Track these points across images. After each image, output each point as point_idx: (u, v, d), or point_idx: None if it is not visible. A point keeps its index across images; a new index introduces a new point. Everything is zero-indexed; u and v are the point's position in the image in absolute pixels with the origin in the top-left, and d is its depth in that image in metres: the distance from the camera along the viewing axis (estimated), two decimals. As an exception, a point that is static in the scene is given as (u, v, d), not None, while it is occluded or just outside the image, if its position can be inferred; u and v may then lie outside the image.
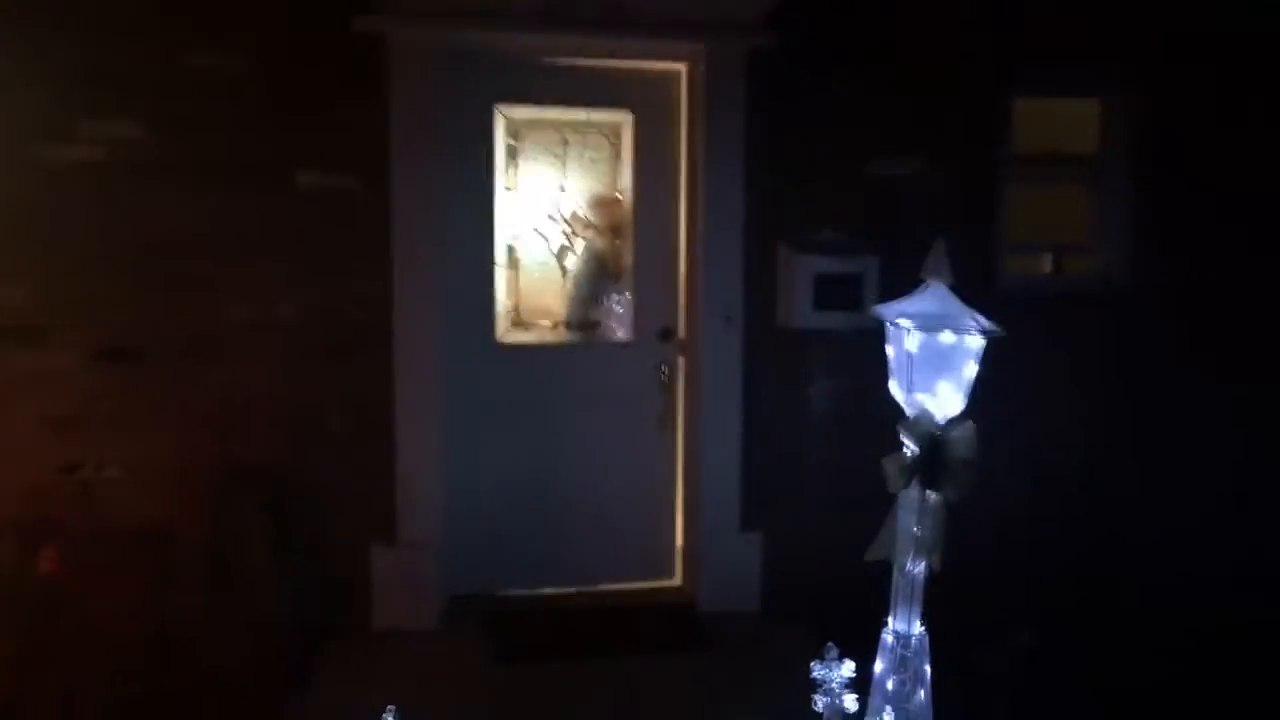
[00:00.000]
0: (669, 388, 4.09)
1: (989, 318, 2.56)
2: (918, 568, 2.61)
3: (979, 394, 2.58)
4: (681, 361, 4.11)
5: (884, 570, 2.71)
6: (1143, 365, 4.18)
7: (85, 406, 3.52)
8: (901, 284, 2.63)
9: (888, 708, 2.58)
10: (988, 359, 2.57)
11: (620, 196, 4.07)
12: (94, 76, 3.46)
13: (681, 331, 4.08)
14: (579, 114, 4.01)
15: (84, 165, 3.47)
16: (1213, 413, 4.21)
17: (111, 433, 3.54)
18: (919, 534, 2.55)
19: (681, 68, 3.98)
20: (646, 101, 4.02)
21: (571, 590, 4.09)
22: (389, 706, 2.48)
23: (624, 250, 4.08)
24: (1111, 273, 4.24)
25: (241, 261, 3.59)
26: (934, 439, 2.50)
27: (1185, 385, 4.20)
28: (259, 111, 3.55)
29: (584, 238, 4.06)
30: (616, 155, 4.06)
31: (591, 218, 4.07)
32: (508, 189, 3.99)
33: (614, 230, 4.08)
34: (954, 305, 2.53)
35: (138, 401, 3.55)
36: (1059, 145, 4.39)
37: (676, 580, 4.15)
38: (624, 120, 4.04)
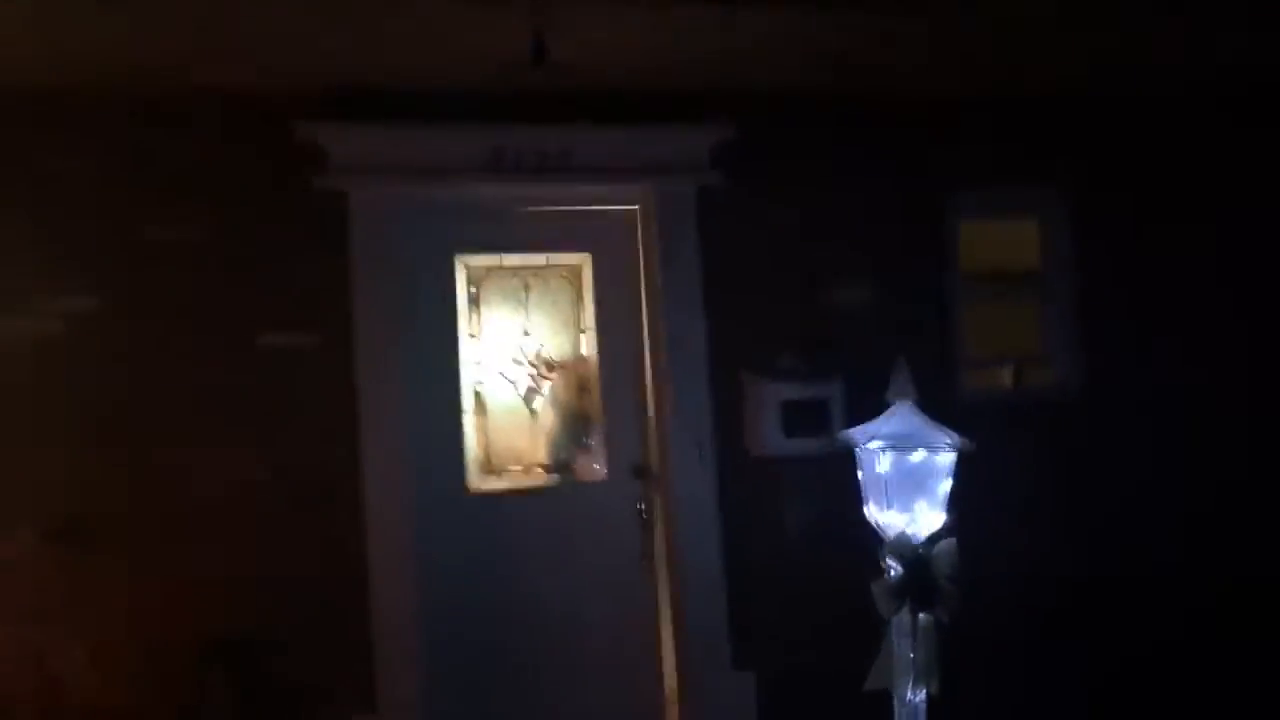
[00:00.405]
0: (648, 525, 4.05)
1: (955, 432, 2.61)
2: (918, 695, 2.58)
3: (957, 509, 2.61)
4: (658, 499, 4.08)
5: (884, 697, 2.66)
6: (1094, 467, 4.27)
7: (44, 591, 3.39)
8: (867, 406, 2.69)
9: (902, 847, 2.49)
10: (958, 475, 2.61)
11: (584, 333, 4.12)
12: (51, 250, 3.46)
13: (655, 467, 4.07)
14: (538, 259, 4.09)
15: (39, 340, 3.44)
16: (1158, 503, 4.31)
17: (74, 617, 3.40)
18: (914, 659, 2.53)
19: (635, 207, 4.10)
20: (603, 242, 4.11)
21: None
22: None
23: (592, 388, 4.10)
24: (1065, 383, 4.35)
25: (205, 431, 3.54)
26: (918, 558, 2.52)
27: (1134, 481, 4.30)
28: (220, 278, 3.57)
29: (550, 379, 4.09)
30: (578, 296, 4.13)
31: (556, 358, 4.11)
32: (472, 336, 4.02)
33: (580, 370, 4.12)
34: (922, 424, 2.59)
35: (100, 582, 3.42)
36: (1007, 263, 4.55)
37: (673, 727, 4.01)
38: (583, 261, 4.12)
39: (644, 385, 4.09)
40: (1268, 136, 4.46)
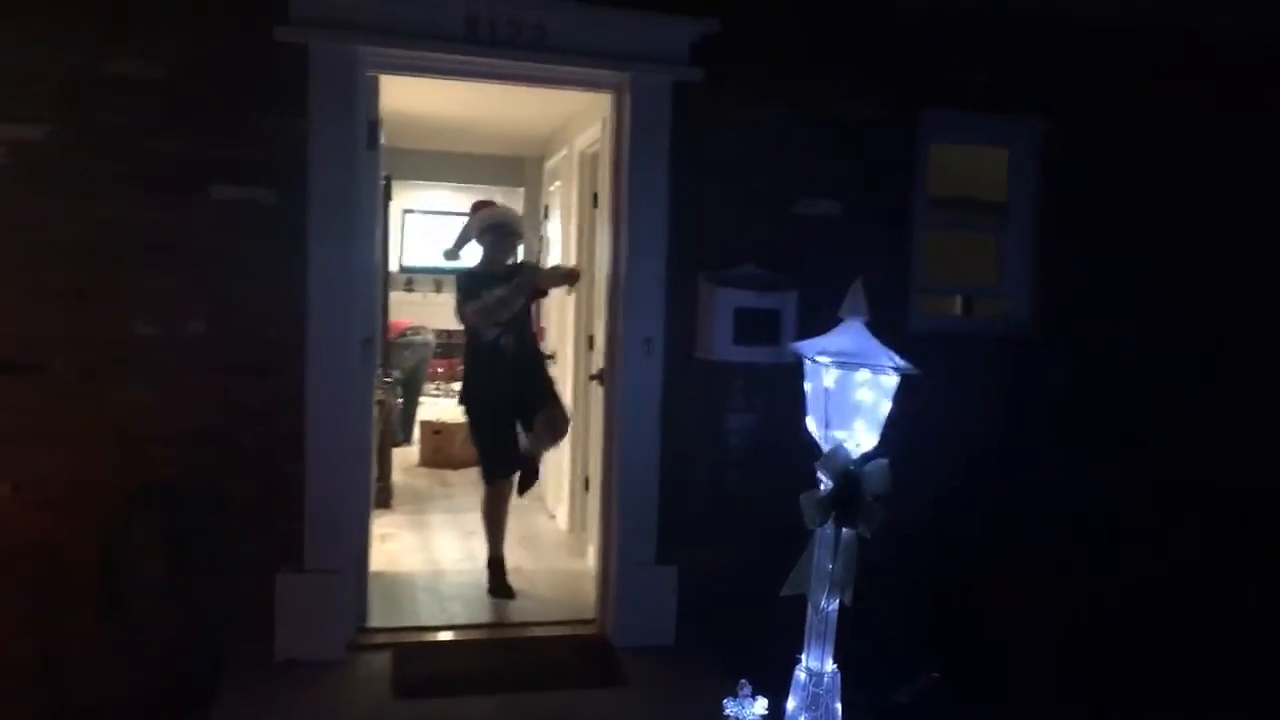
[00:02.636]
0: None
1: (900, 356, 2.63)
2: (831, 605, 2.66)
3: (889, 430, 2.65)
4: (600, 391, 4.08)
5: (798, 603, 2.74)
6: (1035, 402, 4.33)
7: (-24, 421, 3.34)
8: (819, 319, 2.70)
9: (798, 744, 2.60)
10: (897, 396, 2.64)
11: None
12: (3, 75, 3.31)
13: (600, 359, 4.07)
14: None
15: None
16: (1093, 445, 4.39)
17: (5, 449, 3.36)
18: (832, 570, 2.60)
19: (608, 97, 4.00)
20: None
21: (484, 626, 4.03)
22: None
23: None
24: (1015, 316, 4.40)
25: (151, 274, 3.45)
26: (849, 475, 2.56)
27: (1071, 420, 4.37)
28: (175, 122, 3.44)
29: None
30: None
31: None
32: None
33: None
34: (871, 344, 2.60)
35: (32, 416, 3.37)
36: (974, 192, 4.54)
37: (591, 615, 4.11)
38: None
39: (598, 275, 4.06)
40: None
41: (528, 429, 4.63)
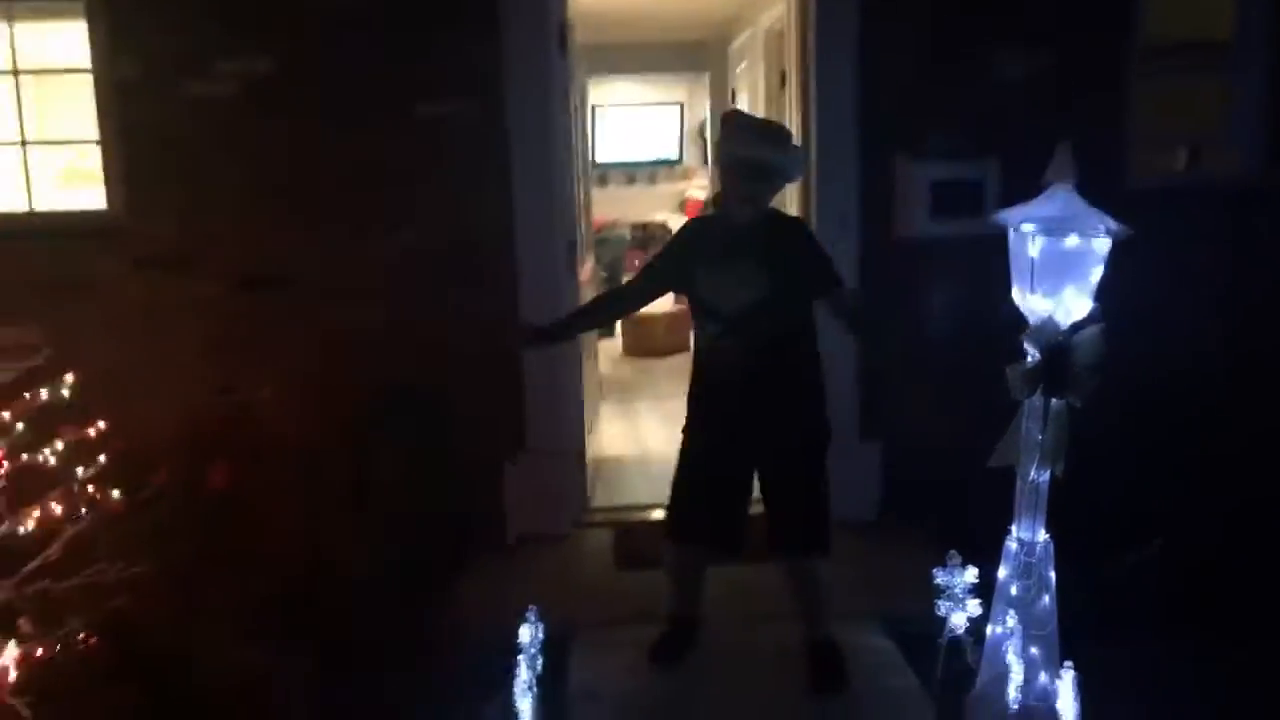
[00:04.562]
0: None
1: (1116, 218, 2.51)
2: (1042, 475, 2.64)
3: (1105, 296, 2.55)
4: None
5: (1005, 478, 2.74)
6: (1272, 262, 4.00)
7: (234, 331, 3.76)
8: (1024, 188, 2.61)
9: (1011, 612, 2.64)
10: (1118, 261, 2.53)
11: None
12: (228, 15, 3.62)
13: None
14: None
15: (220, 100, 3.66)
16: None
17: (259, 357, 3.77)
18: (1042, 441, 2.58)
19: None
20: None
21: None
22: (531, 606, 2.67)
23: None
24: (1248, 167, 4.04)
25: (370, 194, 3.74)
26: (1058, 346, 2.51)
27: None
28: (379, 45, 3.66)
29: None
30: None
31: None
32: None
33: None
34: (1079, 208, 2.51)
35: (282, 327, 3.77)
36: (1195, 34, 4.16)
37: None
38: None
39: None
40: None
41: (767, 499, 2.99)
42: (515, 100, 3.69)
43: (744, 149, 2.79)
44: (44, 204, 3.91)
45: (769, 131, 2.91)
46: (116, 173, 3.75)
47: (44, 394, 3.23)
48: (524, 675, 2.41)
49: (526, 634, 2.58)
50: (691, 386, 2.99)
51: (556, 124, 3.82)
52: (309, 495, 3.64)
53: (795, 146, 2.99)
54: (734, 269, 2.80)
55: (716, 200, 3.12)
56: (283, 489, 3.57)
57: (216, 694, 2.83)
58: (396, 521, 3.66)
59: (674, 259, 2.97)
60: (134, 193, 3.74)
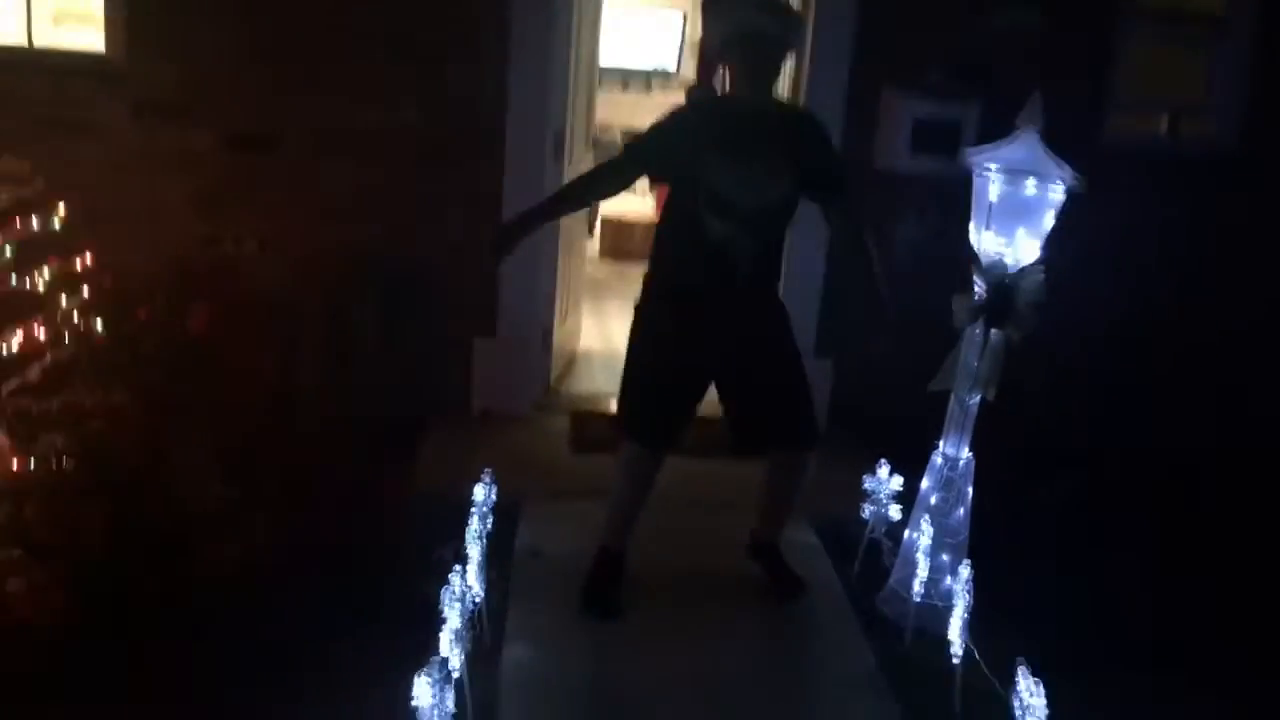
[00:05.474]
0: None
1: (1088, 173, 2.67)
2: (973, 399, 2.85)
3: (1066, 243, 2.72)
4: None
5: (943, 400, 2.94)
6: (1237, 229, 4.18)
7: (223, 185, 3.85)
8: (1002, 134, 2.75)
9: (926, 517, 2.88)
10: (1083, 212, 2.69)
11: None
12: None
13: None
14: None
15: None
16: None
17: (247, 212, 3.87)
18: (978, 368, 2.77)
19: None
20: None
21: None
22: (485, 468, 2.86)
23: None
24: (1221, 136, 4.19)
25: (369, 67, 3.80)
26: (1003, 283, 2.69)
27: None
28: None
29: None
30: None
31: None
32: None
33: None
34: (1042, 155, 2.66)
35: (271, 185, 3.86)
36: (1189, 4, 4.27)
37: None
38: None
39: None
40: None
41: (729, 411, 2.93)
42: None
43: (750, 22, 2.56)
44: (43, 42, 3.91)
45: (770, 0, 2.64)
46: (116, 17, 3.76)
47: (34, 222, 3.33)
48: (475, 526, 2.60)
49: (480, 492, 2.77)
50: (662, 283, 2.79)
51: (559, 15, 3.87)
52: (284, 349, 3.78)
53: (796, 11, 2.69)
54: (758, 162, 2.58)
55: (691, 92, 3.10)
56: (259, 340, 3.70)
57: (182, 520, 2.99)
58: (367, 383, 3.82)
59: (670, 144, 2.67)
60: (134, 39, 3.76)
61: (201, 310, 3.62)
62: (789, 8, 2.75)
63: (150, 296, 3.66)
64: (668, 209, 2.85)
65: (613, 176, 2.90)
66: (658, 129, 2.71)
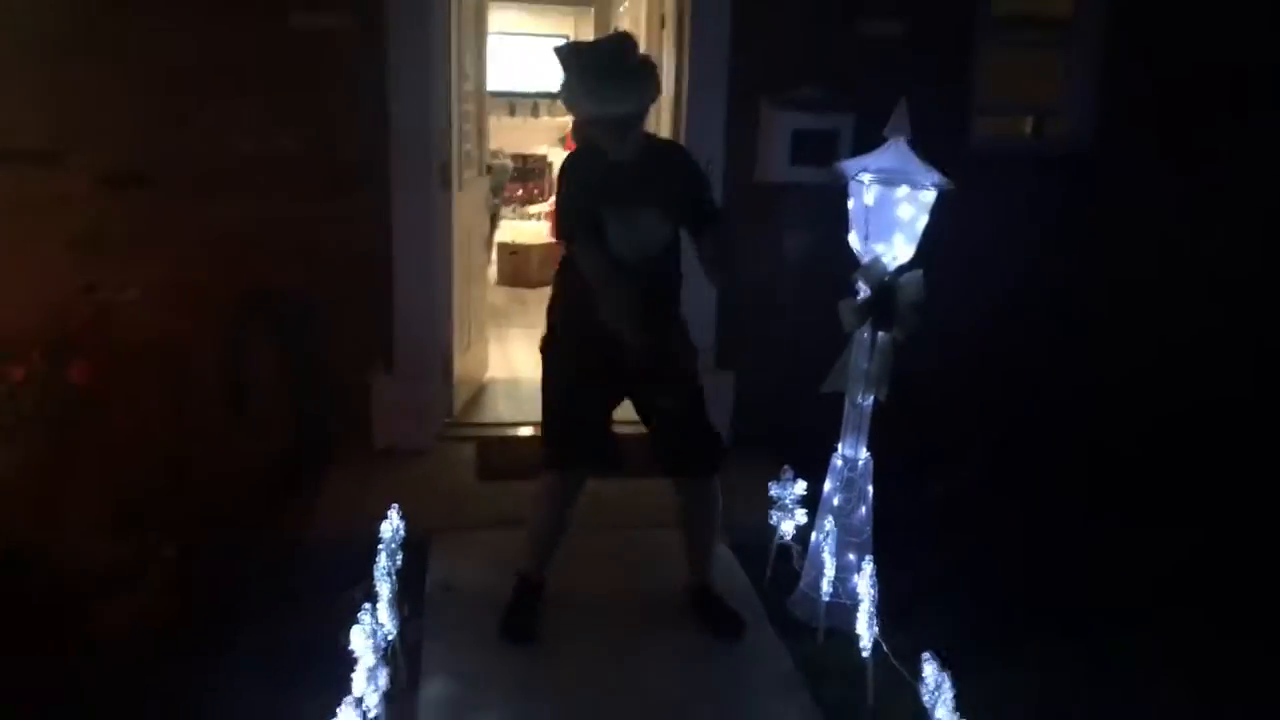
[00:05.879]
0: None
1: (958, 176, 2.79)
2: (866, 400, 2.95)
3: (941, 244, 2.84)
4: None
5: (838, 402, 3.03)
6: (1087, 221, 4.41)
7: (100, 230, 3.71)
8: (877, 141, 2.86)
9: (830, 518, 2.96)
10: (954, 213, 2.81)
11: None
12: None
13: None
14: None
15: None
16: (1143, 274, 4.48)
17: (126, 256, 3.74)
18: (868, 369, 2.87)
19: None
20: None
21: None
22: (392, 504, 2.83)
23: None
24: (1076, 136, 4.43)
25: (243, 99, 3.74)
26: (885, 285, 2.79)
27: (1129, 242, 4.44)
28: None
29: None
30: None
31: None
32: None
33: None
34: (911, 162, 2.78)
35: (149, 226, 3.75)
36: (1040, 12, 4.51)
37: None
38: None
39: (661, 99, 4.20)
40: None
41: (659, 424, 2.96)
42: (394, 16, 3.73)
43: (605, 105, 2.58)
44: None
45: (622, 72, 2.60)
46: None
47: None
48: (383, 563, 2.57)
49: (388, 529, 2.74)
50: (565, 313, 2.89)
51: (436, 42, 3.87)
52: (174, 395, 3.67)
53: (649, 68, 2.67)
54: (637, 221, 2.70)
55: (578, 130, 2.97)
56: (147, 389, 3.59)
57: (71, 583, 2.88)
58: (263, 424, 3.73)
59: (586, 203, 2.70)
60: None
61: (82, 364, 3.49)
62: (641, 69, 2.66)
63: (27, 352, 3.51)
64: (566, 258, 2.86)
65: (589, 237, 2.72)
66: (573, 188, 2.75)
